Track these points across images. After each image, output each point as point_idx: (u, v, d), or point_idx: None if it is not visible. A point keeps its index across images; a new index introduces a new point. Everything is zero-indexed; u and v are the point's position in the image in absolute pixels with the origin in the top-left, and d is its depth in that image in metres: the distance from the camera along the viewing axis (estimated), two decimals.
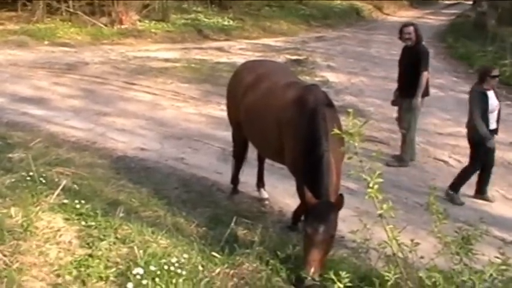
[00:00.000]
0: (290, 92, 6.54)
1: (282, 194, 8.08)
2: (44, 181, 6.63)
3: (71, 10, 24.15)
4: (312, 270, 5.10)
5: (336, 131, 4.40)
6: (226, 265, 5.30)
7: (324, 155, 5.69)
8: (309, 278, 5.01)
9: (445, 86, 16.05)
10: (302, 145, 5.93)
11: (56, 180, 6.98)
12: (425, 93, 9.66)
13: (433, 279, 3.71)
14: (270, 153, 7.17)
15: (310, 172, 5.75)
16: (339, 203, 5.43)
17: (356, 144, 3.80)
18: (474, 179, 8.58)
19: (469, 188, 8.85)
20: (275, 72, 7.46)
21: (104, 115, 12.02)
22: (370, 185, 3.74)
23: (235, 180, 8.13)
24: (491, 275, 3.67)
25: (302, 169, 5.97)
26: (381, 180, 3.75)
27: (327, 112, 6.05)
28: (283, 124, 6.34)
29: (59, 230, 5.37)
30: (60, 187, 6.21)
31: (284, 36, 26.32)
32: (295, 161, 6.19)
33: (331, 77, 17.00)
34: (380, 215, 3.80)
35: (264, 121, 6.71)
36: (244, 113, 7.15)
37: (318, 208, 5.38)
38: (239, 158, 8.01)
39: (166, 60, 18.48)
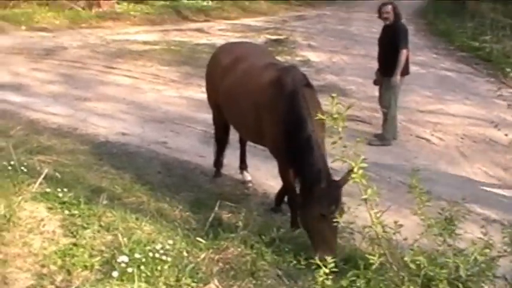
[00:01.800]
0: (267, 74, 6.50)
1: (265, 175, 8.07)
2: (25, 170, 6.54)
3: None
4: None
5: (319, 114, 4.37)
6: (211, 250, 5.29)
7: (312, 136, 5.66)
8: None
9: (425, 63, 16.11)
10: (284, 128, 5.91)
11: (38, 168, 6.92)
12: (406, 71, 9.69)
13: (417, 262, 3.73)
14: (250, 135, 7.16)
15: (300, 155, 5.72)
16: (344, 183, 5.35)
17: (340, 129, 3.79)
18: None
19: (452, 166, 8.93)
20: (253, 54, 7.44)
21: (84, 100, 11.91)
22: (355, 170, 3.73)
23: (217, 163, 8.11)
24: (474, 257, 3.69)
25: (286, 152, 5.96)
26: (365, 165, 3.75)
27: (307, 93, 6.03)
28: (261, 107, 6.31)
29: (42, 220, 5.33)
30: (42, 176, 6.15)
31: (264, 16, 26.24)
32: (277, 144, 6.17)
33: (311, 56, 16.99)
34: (364, 200, 3.81)
35: (242, 104, 6.68)
36: (223, 95, 7.12)
37: (330, 191, 5.36)
38: (221, 141, 7.98)
39: (146, 42, 18.35)
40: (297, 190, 6.06)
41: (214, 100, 7.54)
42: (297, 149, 5.76)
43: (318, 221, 5.41)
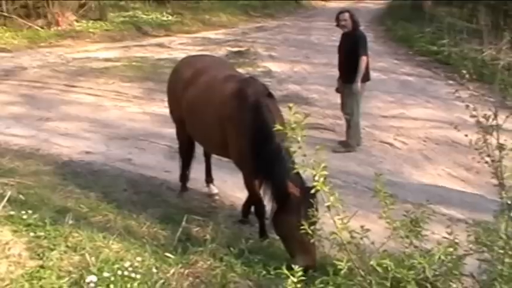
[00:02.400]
0: (228, 86, 6.53)
1: (232, 188, 8.08)
2: None
3: (5, 14, 23.47)
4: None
5: (277, 125, 4.36)
6: (180, 265, 5.26)
7: (281, 146, 5.60)
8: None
9: (386, 69, 16.31)
10: (250, 139, 5.90)
11: (1, 191, 6.81)
12: (366, 78, 9.80)
13: (385, 265, 3.77)
14: (214, 148, 7.17)
15: (269, 165, 5.71)
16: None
17: (299, 138, 3.81)
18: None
19: (416, 169, 9.04)
20: (213, 66, 7.45)
21: (46, 120, 11.78)
22: (316, 178, 3.76)
23: (183, 178, 8.09)
24: (439, 257, 3.74)
25: (253, 163, 5.95)
26: (325, 173, 3.77)
27: (270, 103, 6.06)
28: (224, 119, 6.33)
29: (7, 243, 5.24)
30: (6, 198, 6.05)
31: (224, 29, 26.30)
32: (242, 155, 6.18)
33: (273, 66, 17.06)
34: (328, 207, 3.83)
35: (205, 117, 6.69)
36: (186, 109, 7.12)
37: (306, 197, 5.20)
38: (186, 155, 7.97)
39: (107, 59, 18.23)
40: (264, 200, 6.08)
41: (178, 114, 7.53)
42: (265, 160, 5.75)
43: (295, 228, 5.41)
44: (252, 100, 6.01)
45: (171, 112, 7.90)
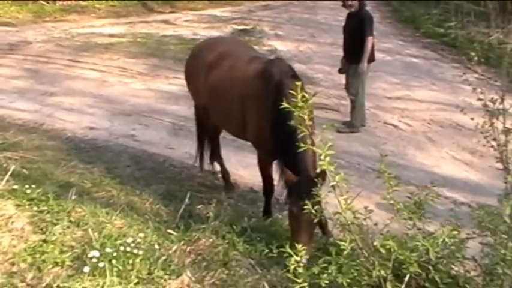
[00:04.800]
0: (253, 66, 6.44)
1: (235, 166, 8.07)
2: None
3: None
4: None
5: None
6: (182, 242, 5.27)
7: (297, 130, 5.51)
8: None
9: (392, 50, 16.21)
10: (269, 120, 5.82)
11: (4, 165, 6.83)
12: (371, 58, 9.75)
13: (387, 246, 3.77)
14: (234, 130, 6.98)
15: (284, 148, 5.63)
16: (322, 177, 4.64)
17: (305, 116, 3.80)
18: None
19: (420, 151, 9.02)
20: (236, 49, 7.34)
21: (51, 95, 11.78)
22: (322, 157, 3.75)
23: (201, 159, 7.94)
24: (443, 240, 3.74)
25: (270, 145, 5.91)
26: (332, 152, 3.76)
27: (293, 84, 5.95)
28: (246, 99, 6.26)
29: (10, 217, 5.26)
30: (9, 172, 6.06)
31: (230, 6, 26.13)
32: (261, 136, 6.11)
33: (279, 45, 16.96)
34: (333, 187, 3.82)
35: (227, 98, 6.61)
36: (208, 92, 7.00)
37: (301, 185, 5.14)
38: (207, 138, 7.82)
39: (112, 35, 18.15)
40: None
41: (199, 98, 7.43)
42: (281, 141, 5.68)
43: (289, 216, 5.41)
44: (275, 80, 5.90)
45: (192, 96, 7.77)
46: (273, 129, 5.76)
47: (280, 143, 5.68)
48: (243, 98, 6.31)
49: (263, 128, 5.96)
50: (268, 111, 5.79)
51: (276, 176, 6.16)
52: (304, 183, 5.13)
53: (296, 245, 3.87)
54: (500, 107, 4.21)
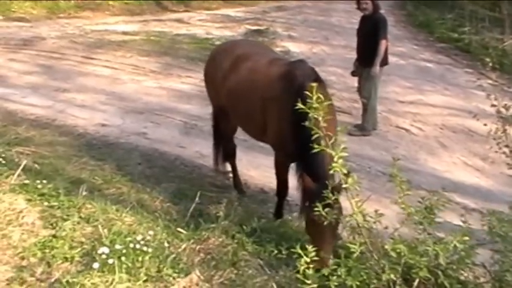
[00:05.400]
0: (274, 69, 6.38)
1: (246, 166, 8.07)
2: (3, 162, 6.47)
3: None
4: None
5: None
6: (192, 240, 5.28)
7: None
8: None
9: (405, 54, 16.16)
10: (290, 122, 5.75)
11: (16, 160, 6.86)
12: (385, 62, 9.73)
13: (398, 250, 3.76)
14: (255, 133, 6.91)
15: (303, 152, 5.43)
16: (337, 190, 4.66)
17: (320, 118, 3.80)
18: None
19: (431, 156, 8.99)
20: (255, 51, 7.27)
21: (63, 91, 11.82)
22: (335, 159, 3.74)
23: (216, 162, 7.90)
24: (453, 245, 3.72)
25: (290, 148, 5.82)
26: (345, 154, 3.76)
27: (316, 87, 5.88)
28: (268, 101, 6.19)
29: (21, 212, 5.28)
30: (21, 167, 6.08)
31: (244, 7, 26.14)
32: (281, 138, 6.06)
33: (292, 46, 16.95)
34: (345, 189, 3.82)
35: (248, 101, 6.54)
36: (227, 96, 6.94)
37: (319, 194, 4.80)
38: (223, 141, 7.75)
39: (125, 33, 18.20)
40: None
41: (217, 101, 7.39)
42: (300, 145, 5.59)
43: (309, 224, 5.29)
44: (298, 83, 5.83)
45: (211, 100, 7.72)
46: (293, 132, 5.69)
47: (299, 146, 5.58)
48: (264, 100, 6.25)
49: (283, 130, 5.90)
50: (289, 113, 5.68)
51: (292, 179, 6.13)
52: (322, 191, 4.94)
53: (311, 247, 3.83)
54: None
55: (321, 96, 4.36)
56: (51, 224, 5.18)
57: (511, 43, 16.19)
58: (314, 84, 3.93)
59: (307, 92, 4.88)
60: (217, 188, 7.49)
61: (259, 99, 6.33)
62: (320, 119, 3.81)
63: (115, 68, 13.86)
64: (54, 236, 5.00)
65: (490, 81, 11.06)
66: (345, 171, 3.78)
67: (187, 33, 18.40)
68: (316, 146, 4.04)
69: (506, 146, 4.26)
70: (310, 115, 4.10)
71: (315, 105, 3.82)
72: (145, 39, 17.38)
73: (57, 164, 7.40)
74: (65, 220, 5.25)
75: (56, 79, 12.63)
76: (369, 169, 8.36)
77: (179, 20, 21.32)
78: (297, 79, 5.85)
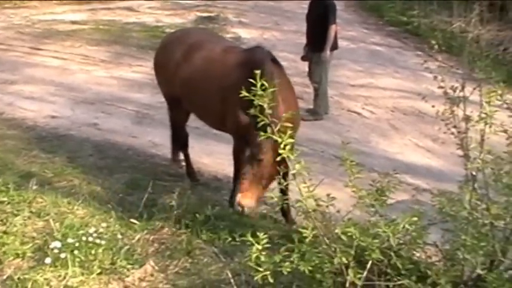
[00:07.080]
0: (231, 57, 6.35)
1: (199, 154, 8.03)
2: None
3: None
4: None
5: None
6: (145, 231, 5.27)
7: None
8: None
9: (356, 38, 16.26)
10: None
11: None
12: (334, 46, 9.80)
13: (349, 233, 3.79)
14: (214, 122, 6.85)
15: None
16: None
17: (265, 105, 3.81)
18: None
19: (383, 138, 9.10)
20: (208, 39, 7.17)
21: (11, 83, 11.55)
22: (281, 146, 3.76)
23: (175, 154, 7.75)
24: (404, 226, 3.77)
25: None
26: (291, 140, 3.78)
27: (275, 71, 5.86)
28: (227, 90, 6.08)
29: None
30: None
31: None
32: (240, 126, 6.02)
33: (243, 33, 16.89)
34: (293, 175, 3.84)
35: (205, 91, 6.46)
36: (182, 86, 6.82)
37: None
38: (180, 132, 7.57)
39: (74, 22, 17.83)
40: None
41: (170, 92, 7.21)
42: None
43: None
44: (256, 68, 5.78)
45: (162, 90, 7.55)
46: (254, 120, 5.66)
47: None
48: (223, 90, 6.18)
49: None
50: (249, 101, 5.68)
51: None
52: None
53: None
54: (461, 94, 4.25)
55: (266, 83, 4.47)
56: (1, 220, 5.12)
57: (459, 25, 16.45)
58: (258, 72, 3.91)
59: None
60: (170, 176, 7.44)
61: (217, 88, 6.28)
62: (265, 106, 3.80)
63: (64, 59, 13.57)
64: (4, 232, 4.93)
65: (437, 63, 11.21)
66: (293, 157, 3.80)
67: (136, 21, 18.14)
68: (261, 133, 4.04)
69: (455, 126, 4.32)
70: (254, 102, 4.10)
71: (260, 92, 3.81)
72: (94, 28, 17.08)
73: (6, 158, 7.26)
74: (16, 215, 5.18)
75: (2, 71, 12.33)
76: (322, 153, 8.42)
77: (128, 8, 20.99)
78: (256, 65, 5.81)
